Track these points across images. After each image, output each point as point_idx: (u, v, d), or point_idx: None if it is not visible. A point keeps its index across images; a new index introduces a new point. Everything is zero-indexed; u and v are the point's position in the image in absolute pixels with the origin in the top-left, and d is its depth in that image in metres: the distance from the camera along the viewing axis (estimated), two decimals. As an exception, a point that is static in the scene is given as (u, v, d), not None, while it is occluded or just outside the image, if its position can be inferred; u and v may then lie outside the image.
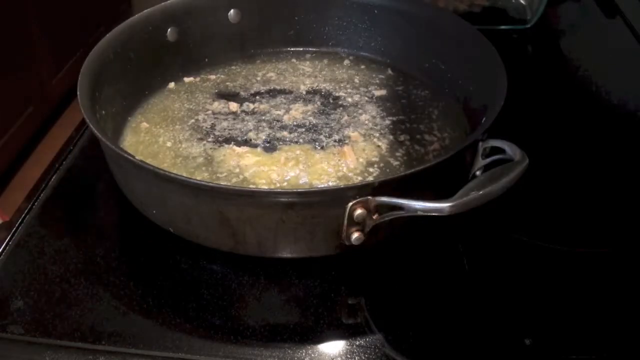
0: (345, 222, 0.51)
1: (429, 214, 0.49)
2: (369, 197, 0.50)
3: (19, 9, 1.77)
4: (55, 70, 1.98)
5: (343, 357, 0.50)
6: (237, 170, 0.64)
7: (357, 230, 0.52)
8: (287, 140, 0.69)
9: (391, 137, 0.70)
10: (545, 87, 0.84)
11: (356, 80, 0.80)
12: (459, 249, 0.60)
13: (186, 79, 0.79)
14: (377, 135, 0.70)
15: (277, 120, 0.72)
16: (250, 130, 0.71)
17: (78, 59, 2.02)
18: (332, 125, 0.71)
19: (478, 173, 0.58)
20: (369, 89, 0.78)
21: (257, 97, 0.76)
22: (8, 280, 0.57)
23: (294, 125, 0.71)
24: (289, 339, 0.51)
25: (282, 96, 0.77)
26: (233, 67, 0.82)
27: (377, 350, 0.50)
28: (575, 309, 0.55)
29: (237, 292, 0.55)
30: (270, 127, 0.71)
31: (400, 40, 0.81)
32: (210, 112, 0.74)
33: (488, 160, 0.57)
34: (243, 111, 0.74)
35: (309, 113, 0.73)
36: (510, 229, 0.62)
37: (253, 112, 0.74)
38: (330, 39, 0.85)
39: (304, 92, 0.77)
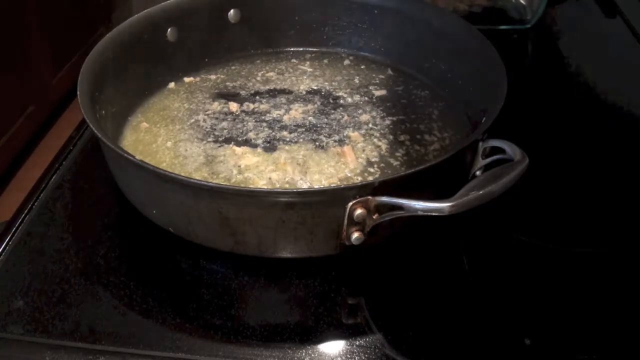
0: (345, 222, 0.51)
1: (429, 213, 0.49)
2: (369, 197, 0.50)
3: (19, 9, 1.77)
4: (55, 70, 1.98)
5: (343, 357, 0.50)
6: (237, 170, 0.64)
7: (357, 230, 0.52)
8: (287, 141, 0.69)
9: (391, 137, 0.70)
10: (545, 87, 0.84)
11: (356, 80, 0.80)
12: (459, 249, 0.60)
13: (186, 79, 0.79)
14: (377, 135, 0.70)
15: (277, 120, 0.72)
16: (250, 130, 0.70)
17: (78, 59, 2.02)
18: (332, 125, 0.71)
19: (478, 173, 0.58)
20: (369, 89, 0.78)
21: (257, 97, 0.76)
22: (8, 280, 0.57)
23: (294, 126, 0.71)
24: (289, 339, 0.51)
25: (282, 96, 0.77)
26: (233, 67, 0.82)
27: (377, 350, 0.50)
28: (575, 309, 0.55)
29: (237, 292, 0.55)
30: (270, 127, 0.71)
31: (400, 40, 0.81)
32: (210, 112, 0.74)
33: (488, 160, 0.57)
34: (243, 111, 0.74)
35: (309, 113, 0.73)
36: (510, 229, 0.62)
37: (253, 112, 0.74)
38: (330, 39, 0.85)
39: (304, 92, 0.77)
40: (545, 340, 0.51)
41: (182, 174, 0.57)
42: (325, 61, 0.84)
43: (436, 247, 0.60)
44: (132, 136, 0.69)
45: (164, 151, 0.67)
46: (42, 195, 0.66)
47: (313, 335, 0.52)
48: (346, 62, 0.83)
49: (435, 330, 0.53)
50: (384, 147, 0.68)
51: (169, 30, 0.77)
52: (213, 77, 0.80)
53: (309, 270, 0.57)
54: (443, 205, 0.48)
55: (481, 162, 0.58)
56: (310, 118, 0.72)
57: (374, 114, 0.73)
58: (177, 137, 0.69)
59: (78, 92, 0.61)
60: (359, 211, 0.50)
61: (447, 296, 0.56)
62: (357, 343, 0.51)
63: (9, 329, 0.52)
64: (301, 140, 0.69)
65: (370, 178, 0.63)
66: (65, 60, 2.03)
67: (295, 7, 0.83)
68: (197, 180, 0.55)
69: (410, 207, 0.49)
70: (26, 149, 1.89)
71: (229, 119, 0.72)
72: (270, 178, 0.63)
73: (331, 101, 0.76)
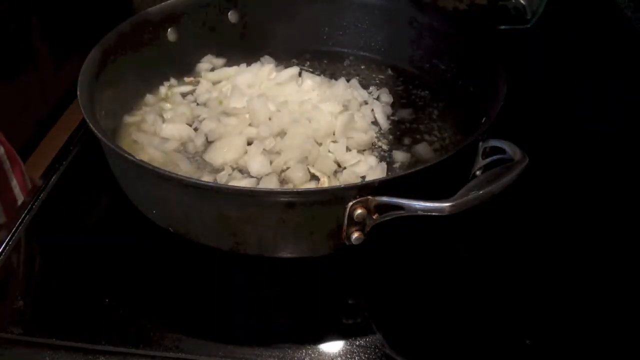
0: (346, 222, 0.51)
1: (429, 213, 0.49)
2: (369, 197, 0.50)
3: (19, 8, 1.77)
4: (55, 70, 1.98)
5: (343, 357, 0.50)
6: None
7: (357, 230, 0.51)
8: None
9: (391, 137, 0.70)
10: (545, 87, 0.84)
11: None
12: (459, 249, 0.60)
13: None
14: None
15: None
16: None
17: (78, 59, 2.02)
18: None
19: (478, 173, 0.58)
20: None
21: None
22: (8, 280, 0.57)
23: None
24: (289, 339, 0.51)
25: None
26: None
27: (377, 350, 0.50)
28: (575, 309, 0.55)
29: (237, 292, 0.55)
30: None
31: (400, 40, 0.81)
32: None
33: (488, 160, 0.57)
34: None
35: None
36: (510, 229, 0.62)
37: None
38: (330, 39, 0.85)
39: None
40: (546, 340, 0.51)
41: (182, 174, 0.57)
42: (325, 61, 0.84)
43: (436, 247, 0.60)
44: (132, 135, 0.69)
45: (164, 150, 0.67)
46: (42, 195, 0.66)
47: (313, 335, 0.52)
48: (346, 62, 0.83)
49: (436, 330, 0.53)
50: (384, 147, 0.68)
51: (169, 30, 0.77)
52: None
53: (309, 270, 0.57)
54: (443, 205, 0.48)
55: (481, 162, 0.58)
56: (310, 118, 0.72)
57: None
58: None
59: (78, 92, 0.61)
60: (359, 211, 0.50)
61: (447, 296, 0.56)
62: (357, 343, 0.51)
63: (9, 329, 0.52)
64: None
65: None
66: (65, 60, 2.03)
67: (295, 7, 0.83)
68: (197, 180, 0.55)
69: (410, 207, 0.49)
70: (26, 149, 1.88)
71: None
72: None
73: (331, 101, 0.76)
